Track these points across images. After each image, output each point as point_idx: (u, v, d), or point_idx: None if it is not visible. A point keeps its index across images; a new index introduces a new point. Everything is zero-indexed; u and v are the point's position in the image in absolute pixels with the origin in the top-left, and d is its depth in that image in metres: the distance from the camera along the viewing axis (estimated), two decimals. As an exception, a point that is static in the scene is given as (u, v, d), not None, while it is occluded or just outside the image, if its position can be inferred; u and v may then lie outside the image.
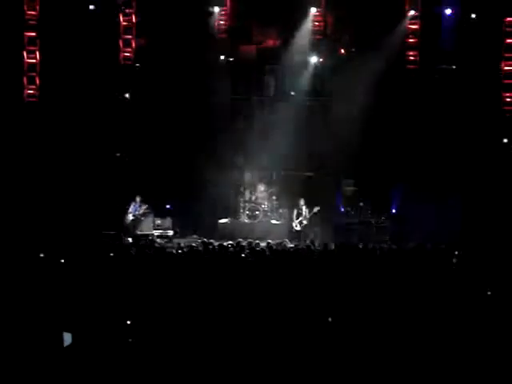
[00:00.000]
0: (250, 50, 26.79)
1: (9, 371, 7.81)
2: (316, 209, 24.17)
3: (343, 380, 8.01)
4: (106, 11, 25.13)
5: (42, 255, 15.08)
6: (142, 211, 24.65)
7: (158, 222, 25.13)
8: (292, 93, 26.25)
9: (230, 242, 19.62)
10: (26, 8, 24.48)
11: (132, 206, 24.73)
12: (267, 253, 16.16)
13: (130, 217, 24.65)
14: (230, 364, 8.18)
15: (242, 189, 26.04)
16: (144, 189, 25.09)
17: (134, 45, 25.49)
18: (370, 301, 10.70)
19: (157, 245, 21.63)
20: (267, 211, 25.72)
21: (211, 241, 20.26)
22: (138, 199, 24.73)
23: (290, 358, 8.35)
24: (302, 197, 24.62)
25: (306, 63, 25.79)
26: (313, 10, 25.45)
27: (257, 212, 25.63)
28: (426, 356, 8.45)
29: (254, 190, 26.04)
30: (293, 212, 24.70)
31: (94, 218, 24.04)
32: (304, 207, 24.42)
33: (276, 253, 15.93)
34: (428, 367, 8.20)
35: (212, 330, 9.16)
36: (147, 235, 24.19)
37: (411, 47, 25.06)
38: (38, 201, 23.91)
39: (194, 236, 23.99)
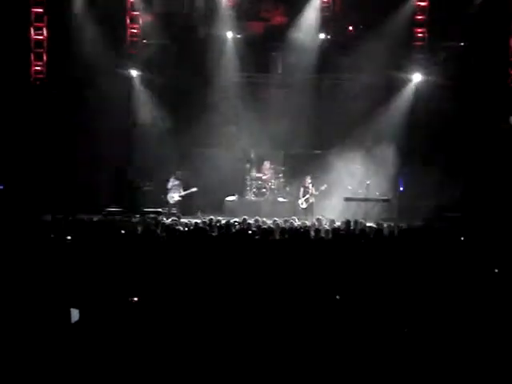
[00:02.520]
0: (258, 27, 26.71)
1: (16, 347, 7.83)
2: (323, 186, 24.13)
3: (350, 359, 8.00)
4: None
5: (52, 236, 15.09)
6: (188, 192, 24.47)
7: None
8: (299, 70, 26.14)
9: (237, 220, 19.61)
10: (32, -16, 24.42)
11: (172, 183, 24.52)
12: (275, 230, 16.18)
13: (176, 196, 24.43)
14: (236, 341, 8.18)
15: (248, 166, 26.04)
16: (149, 166, 25.19)
17: (141, 21, 25.47)
18: (377, 279, 10.70)
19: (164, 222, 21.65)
20: (274, 189, 25.72)
21: (218, 218, 20.25)
22: (179, 175, 24.54)
23: (296, 336, 8.34)
24: (309, 174, 24.61)
25: (313, 41, 25.67)
26: (321, -14, 25.36)
27: (263, 190, 25.65)
28: (434, 335, 8.44)
29: (260, 167, 26.04)
30: (299, 190, 24.69)
31: (100, 195, 24.10)
32: (311, 185, 24.39)
33: (283, 231, 15.94)
34: (436, 346, 8.19)
35: (218, 308, 9.16)
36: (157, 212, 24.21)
37: (419, 24, 24.94)
38: (44, 176, 23.98)
39: (201, 213, 23.96)
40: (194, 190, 24.31)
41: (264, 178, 25.83)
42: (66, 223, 17.18)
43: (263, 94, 25.98)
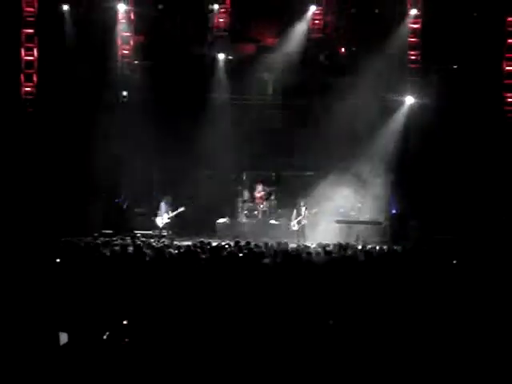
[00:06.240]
0: (249, 48, 26.73)
1: (4, 370, 7.71)
2: (314, 210, 24.05)
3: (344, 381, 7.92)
4: (105, 8, 25.07)
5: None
6: (176, 212, 24.22)
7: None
8: (291, 92, 26.10)
9: (228, 242, 19.49)
10: (23, 5, 24.37)
11: (164, 207, 24.28)
12: (266, 253, 16.06)
13: (165, 218, 24.16)
14: (227, 365, 8.08)
15: (240, 188, 25.98)
16: (142, 187, 25.06)
17: (132, 42, 25.47)
18: (369, 302, 10.61)
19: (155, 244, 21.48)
20: (266, 211, 25.65)
21: (209, 241, 20.11)
22: (169, 199, 24.31)
23: (288, 360, 8.24)
24: (302, 197, 24.53)
25: (305, 62, 25.65)
26: (312, 8, 25.37)
27: (255, 212, 25.58)
28: (427, 356, 8.36)
29: (252, 189, 25.97)
30: (292, 212, 24.59)
31: (91, 217, 23.95)
32: (304, 207, 24.29)
33: (274, 254, 15.81)
34: (428, 366, 8.11)
35: (209, 331, 9.07)
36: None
37: (413, 46, 25.01)
38: (34, 198, 23.80)
39: (192, 236, 23.83)
40: (182, 209, 24.12)
41: (256, 200, 25.77)
42: (56, 246, 17.03)
43: (254, 115, 25.94)
